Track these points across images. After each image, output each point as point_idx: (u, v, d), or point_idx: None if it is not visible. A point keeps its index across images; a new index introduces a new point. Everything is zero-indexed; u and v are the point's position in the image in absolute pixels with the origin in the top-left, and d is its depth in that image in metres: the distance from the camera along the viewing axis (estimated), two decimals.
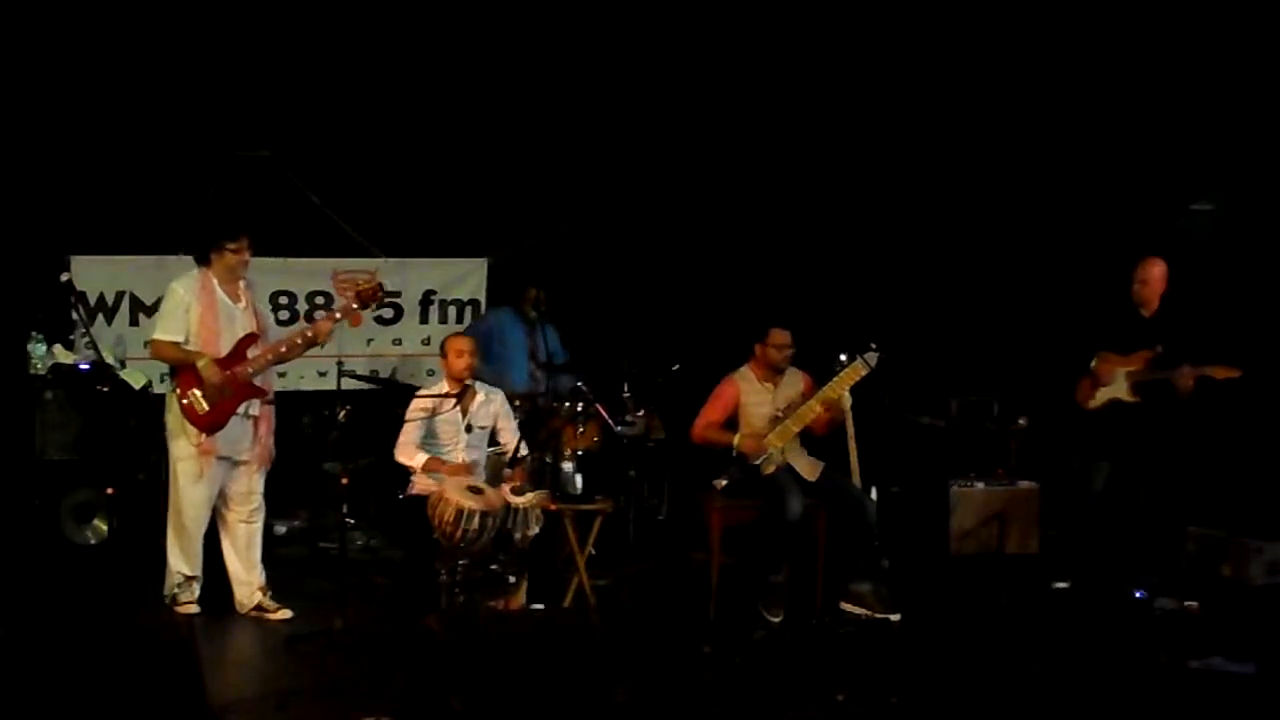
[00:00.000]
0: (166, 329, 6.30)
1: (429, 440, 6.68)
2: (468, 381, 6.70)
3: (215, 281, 6.33)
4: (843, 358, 6.68)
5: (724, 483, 6.76)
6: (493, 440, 6.83)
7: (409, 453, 6.64)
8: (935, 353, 8.66)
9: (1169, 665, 5.91)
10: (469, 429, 6.68)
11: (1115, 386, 7.02)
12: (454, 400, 6.63)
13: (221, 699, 5.12)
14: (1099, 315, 7.22)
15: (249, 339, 6.35)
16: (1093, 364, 7.07)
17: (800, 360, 6.99)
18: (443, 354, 6.79)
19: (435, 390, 6.73)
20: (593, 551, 6.84)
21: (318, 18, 7.95)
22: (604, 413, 7.11)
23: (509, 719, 4.76)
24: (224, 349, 6.28)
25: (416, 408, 6.62)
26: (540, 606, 6.39)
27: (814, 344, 7.09)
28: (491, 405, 6.80)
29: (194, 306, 6.27)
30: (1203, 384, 6.81)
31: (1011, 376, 8.31)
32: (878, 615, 6.65)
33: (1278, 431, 7.89)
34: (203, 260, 6.36)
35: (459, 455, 6.64)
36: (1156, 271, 7.03)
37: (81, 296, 7.85)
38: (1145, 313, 7.06)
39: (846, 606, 6.67)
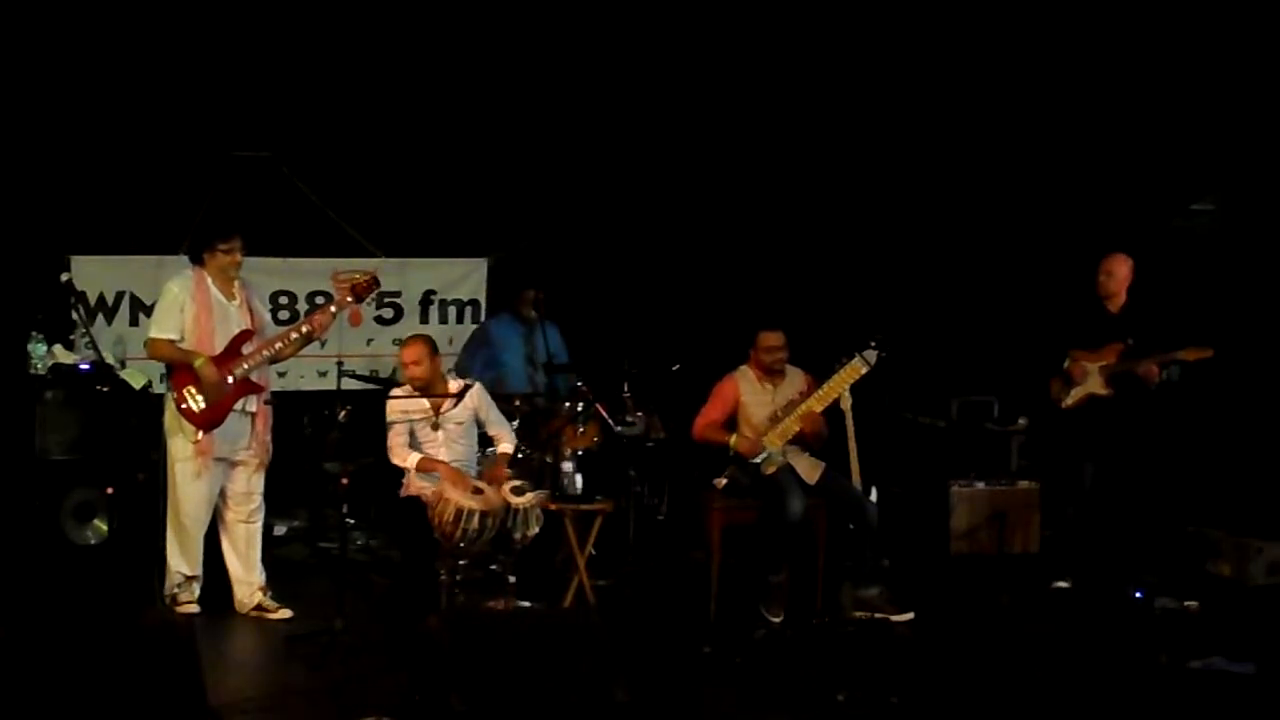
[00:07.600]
0: (162, 328, 6.36)
1: (412, 441, 6.64)
2: (421, 385, 6.53)
3: (209, 280, 6.38)
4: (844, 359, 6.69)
5: (724, 482, 6.76)
6: (485, 440, 6.79)
7: (401, 454, 6.57)
8: (935, 353, 8.66)
9: (1169, 665, 5.91)
10: (435, 427, 6.57)
11: (1089, 382, 7.06)
12: (424, 399, 6.52)
13: (221, 699, 5.11)
14: (1068, 313, 7.26)
15: (243, 335, 6.38)
16: (1065, 364, 7.11)
17: (801, 360, 6.98)
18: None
19: (402, 392, 6.56)
20: (593, 551, 6.84)
21: (317, 18, 7.95)
22: (604, 413, 7.11)
23: (509, 719, 4.76)
24: (218, 347, 6.32)
25: (394, 410, 6.55)
26: (528, 604, 6.38)
27: (815, 344, 7.08)
28: (466, 400, 6.62)
29: (189, 305, 6.32)
30: (1186, 372, 6.85)
31: (1011, 376, 8.31)
32: (891, 618, 6.64)
33: (1276, 431, 7.89)
34: (197, 260, 6.42)
35: (440, 453, 6.57)
36: (1123, 267, 7.09)
37: (81, 296, 7.84)
38: (1112, 308, 7.11)
39: (858, 615, 6.65)
